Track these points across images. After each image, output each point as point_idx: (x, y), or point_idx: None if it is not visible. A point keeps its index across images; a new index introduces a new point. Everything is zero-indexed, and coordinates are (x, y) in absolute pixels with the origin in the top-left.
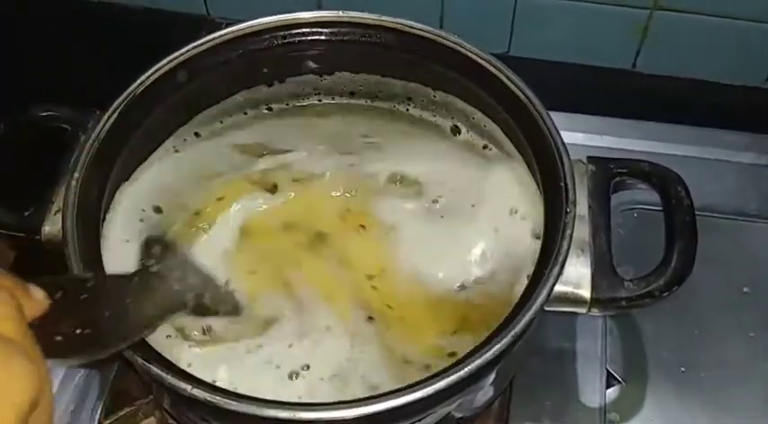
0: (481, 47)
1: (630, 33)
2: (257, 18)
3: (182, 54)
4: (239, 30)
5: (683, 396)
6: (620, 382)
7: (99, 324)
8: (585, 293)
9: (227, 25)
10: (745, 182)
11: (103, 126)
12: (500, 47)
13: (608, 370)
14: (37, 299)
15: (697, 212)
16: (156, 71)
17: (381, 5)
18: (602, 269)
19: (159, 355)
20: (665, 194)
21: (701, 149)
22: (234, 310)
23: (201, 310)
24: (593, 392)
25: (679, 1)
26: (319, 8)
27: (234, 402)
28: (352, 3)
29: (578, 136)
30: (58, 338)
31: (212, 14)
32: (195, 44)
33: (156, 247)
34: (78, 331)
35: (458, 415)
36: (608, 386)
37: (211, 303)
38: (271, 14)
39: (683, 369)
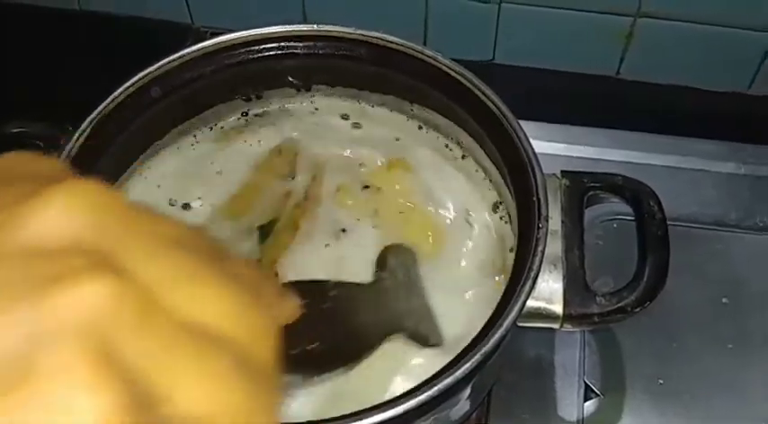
0: (462, 55)
1: (615, 41)
2: (241, 27)
3: (155, 70)
4: (213, 45)
5: (662, 409)
6: (597, 395)
7: (329, 341)
8: (558, 308)
9: (212, 35)
10: (724, 192)
11: (75, 143)
12: (485, 54)
13: (586, 383)
14: (291, 304)
15: (676, 223)
16: (128, 87)
17: (365, 17)
18: (575, 285)
19: None
20: (638, 208)
21: (681, 159)
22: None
23: (418, 338)
24: (571, 405)
25: (663, 8)
26: (304, 19)
27: None
28: (336, 16)
29: (558, 146)
30: (293, 352)
31: (197, 24)
32: (168, 59)
33: None
34: (309, 347)
35: None
36: (586, 399)
37: (426, 332)
38: (255, 25)
39: (660, 382)
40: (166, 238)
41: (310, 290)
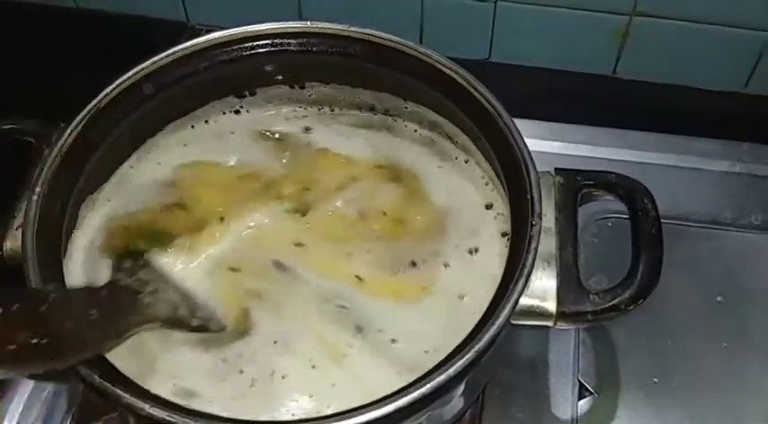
0: (458, 53)
1: (610, 39)
2: (236, 25)
3: (147, 66)
4: (205, 41)
5: (656, 407)
6: (592, 393)
7: (58, 335)
8: (551, 306)
9: (207, 32)
10: (719, 191)
11: (66, 139)
12: (480, 53)
13: (580, 381)
14: None
15: (671, 221)
16: (120, 84)
17: (361, 16)
18: (569, 282)
19: (118, 372)
20: (632, 206)
21: (676, 157)
22: (211, 326)
23: (175, 323)
24: (566, 403)
25: (658, 7)
26: (300, 17)
27: (191, 421)
28: (331, 14)
29: (554, 144)
30: (12, 347)
31: (192, 21)
32: (161, 56)
33: (128, 261)
34: (35, 341)
35: None
36: (580, 398)
37: (187, 317)
38: (250, 22)
39: (655, 380)
40: None
41: (27, 296)
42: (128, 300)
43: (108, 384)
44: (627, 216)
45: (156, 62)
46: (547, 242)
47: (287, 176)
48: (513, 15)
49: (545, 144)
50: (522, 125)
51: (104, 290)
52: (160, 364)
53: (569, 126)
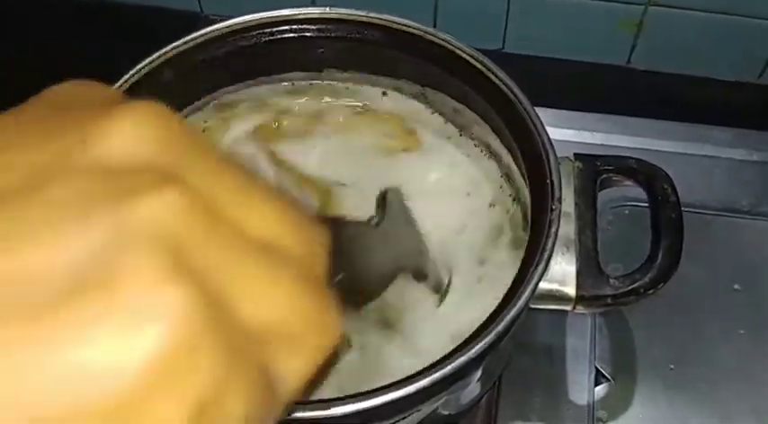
0: (472, 44)
1: (625, 29)
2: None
3: (167, 52)
4: (225, 27)
5: (672, 394)
6: (608, 379)
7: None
8: (570, 290)
9: (220, 22)
10: (735, 179)
11: None
12: (494, 43)
13: (597, 368)
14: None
15: (687, 209)
16: (139, 70)
17: (376, 2)
18: (588, 267)
19: None
20: (652, 191)
21: (691, 145)
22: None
23: (419, 275)
24: (582, 389)
25: None
26: (313, 3)
27: None
28: (346, 2)
29: (569, 132)
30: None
31: (205, 11)
32: (180, 42)
33: None
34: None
35: (445, 412)
36: (596, 384)
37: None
38: (261, 11)
39: (672, 367)
40: (222, 158)
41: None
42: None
43: None
44: (644, 204)
45: (176, 47)
46: (566, 228)
47: None
48: (527, 5)
49: (561, 132)
50: (538, 112)
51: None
52: None
53: (584, 114)
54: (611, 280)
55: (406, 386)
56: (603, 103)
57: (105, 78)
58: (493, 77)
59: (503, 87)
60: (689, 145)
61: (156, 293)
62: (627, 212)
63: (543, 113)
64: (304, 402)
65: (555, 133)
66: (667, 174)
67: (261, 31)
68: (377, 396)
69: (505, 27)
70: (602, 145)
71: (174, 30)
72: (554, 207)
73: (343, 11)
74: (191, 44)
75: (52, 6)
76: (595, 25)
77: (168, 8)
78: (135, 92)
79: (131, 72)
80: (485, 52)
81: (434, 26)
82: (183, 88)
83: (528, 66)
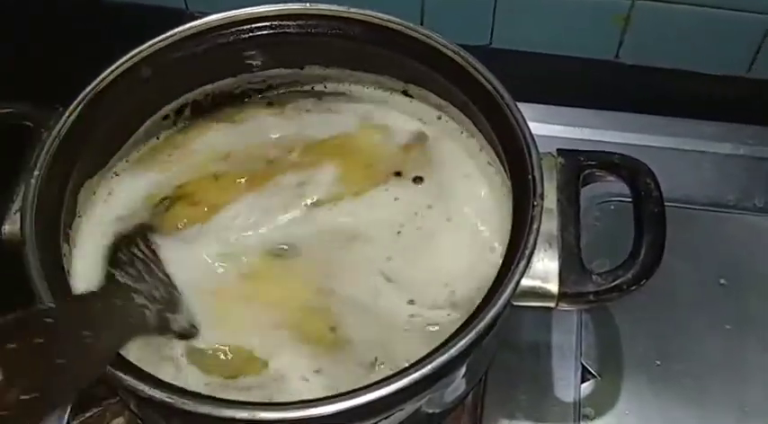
0: (459, 39)
1: (613, 24)
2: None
3: (144, 49)
4: (203, 24)
5: (659, 390)
6: (594, 376)
7: (49, 380)
8: (553, 287)
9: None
10: (722, 173)
11: (64, 123)
12: (482, 39)
13: (583, 364)
14: None
15: (674, 203)
16: (117, 67)
17: (359, 1)
18: (570, 263)
19: (118, 355)
20: (634, 186)
21: (679, 140)
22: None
23: (163, 328)
24: (568, 386)
25: None
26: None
27: (191, 403)
28: None
29: (556, 128)
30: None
31: (191, 8)
32: (158, 39)
33: (125, 252)
34: (24, 398)
35: (429, 411)
36: (583, 381)
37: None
38: (246, 7)
39: (658, 363)
40: None
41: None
42: (123, 304)
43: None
44: (629, 200)
45: (153, 45)
46: (549, 224)
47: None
48: (514, 1)
49: (546, 127)
50: (522, 108)
51: (98, 300)
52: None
53: (570, 109)
54: (594, 277)
55: (387, 385)
56: (592, 98)
57: (85, 74)
58: (475, 73)
59: (485, 83)
60: (676, 140)
61: None
62: (613, 208)
63: (531, 109)
64: (286, 403)
65: (542, 129)
66: (650, 169)
67: (239, 28)
68: (359, 395)
69: (493, 22)
70: (589, 140)
71: (158, 28)
72: (536, 203)
73: (324, 6)
74: (168, 41)
75: (29, 1)
76: (583, 20)
77: (152, 5)
78: (112, 89)
79: (109, 69)
80: (472, 48)
81: (421, 22)
82: (161, 85)
83: (516, 61)
